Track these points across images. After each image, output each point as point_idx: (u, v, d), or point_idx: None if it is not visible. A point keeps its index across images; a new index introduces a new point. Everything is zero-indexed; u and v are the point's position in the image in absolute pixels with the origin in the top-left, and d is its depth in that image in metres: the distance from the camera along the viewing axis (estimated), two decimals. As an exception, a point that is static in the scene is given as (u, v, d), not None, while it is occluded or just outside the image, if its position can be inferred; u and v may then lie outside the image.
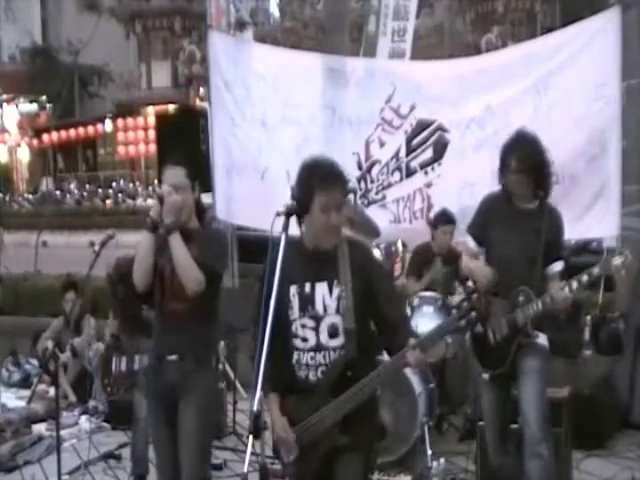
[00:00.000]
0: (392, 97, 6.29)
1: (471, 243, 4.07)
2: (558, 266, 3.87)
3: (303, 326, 3.02)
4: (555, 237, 3.88)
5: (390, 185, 6.38)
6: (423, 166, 6.23)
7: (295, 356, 3.03)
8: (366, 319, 3.01)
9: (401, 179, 6.34)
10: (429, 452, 4.94)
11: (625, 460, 5.16)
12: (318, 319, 3.01)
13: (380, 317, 3.04)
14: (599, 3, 6.18)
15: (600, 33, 5.48)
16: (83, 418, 6.45)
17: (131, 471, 5.03)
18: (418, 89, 6.24)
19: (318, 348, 3.00)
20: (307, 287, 3.02)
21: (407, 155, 6.30)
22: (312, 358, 3.01)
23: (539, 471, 3.80)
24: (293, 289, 3.02)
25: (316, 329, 3.01)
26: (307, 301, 3.02)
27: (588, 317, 6.19)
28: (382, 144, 6.39)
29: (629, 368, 5.89)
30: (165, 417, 3.57)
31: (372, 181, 6.42)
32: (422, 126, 6.22)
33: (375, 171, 6.41)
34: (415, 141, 6.25)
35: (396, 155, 6.34)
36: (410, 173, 6.29)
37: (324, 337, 3.00)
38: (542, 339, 3.89)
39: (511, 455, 4.02)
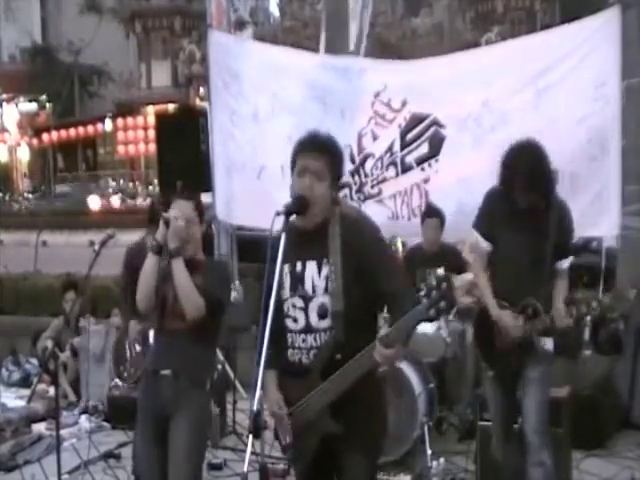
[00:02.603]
0: (381, 92, 6.24)
1: (481, 241, 4.00)
2: (566, 263, 3.86)
3: (294, 306, 2.98)
4: (564, 234, 3.84)
5: (385, 180, 6.32)
6: (419, 162, 6.16)
7: (289, 339, 2.99)
8: (358, 300, 2.89)
9: (397, 174, 6.27)
10: (429, 452, 4.94)
11: (625, 460, 5.17)
12: (307, 299, 2.96)
13: (377, 293, 2.92)
14: (599, 2, 6.17)
15: (600, 32, 5.47)
16: (83, 417, 6.46)
17: (132, 469, 5.03)
18: (410, 88, 6.19)
19: (308, 330, 2.95)
20: (298, 265, 2.98)
21: (402, 149, 6.22)
22: (303, 340, 2.96)
23: (541, 479, 3.80)
24: (286, 268, 2.97)
25: (305, 309, 2.96)
26: (297, 280, 2.98)
27: (588, 317, 6.19)
28: (375, 137, 6.32)
29: (629, 368, 5.90)
30: (155, 433, 3.59)
31: (366, 175, 6.35)
32: (417, 120, 6.14)
33: (369, 165, 6.34)
34: (410, 135, 6.18)
35: (390, 149, 6.26)
36: (406, 169, 6.23)
37: (314, 318, 2.94)
38: (547, 344, 3.86)
39: (513, 451, 4.00)
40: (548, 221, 3.77)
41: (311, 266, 2.96)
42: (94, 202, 20.39)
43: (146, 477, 3.70)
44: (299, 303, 2.98)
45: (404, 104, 6.17)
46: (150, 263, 3.60)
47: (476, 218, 4.06)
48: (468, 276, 6.04)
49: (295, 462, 3.12)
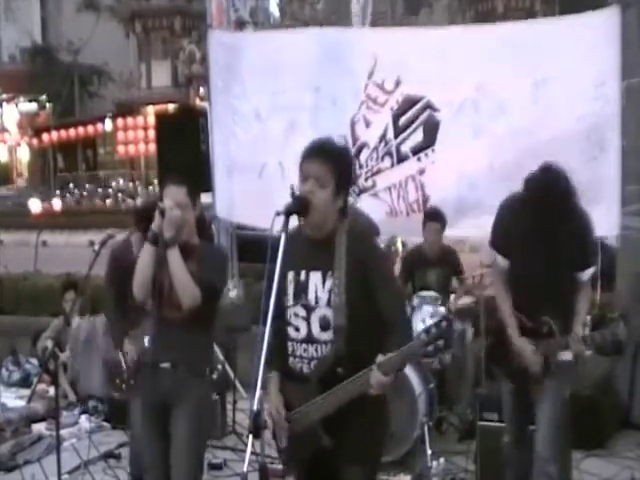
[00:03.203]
0: (374, 70, 6.13)
1: (499, 259, 3.88)
2: (587, 274, 3.77)
3: (296, 315, 2.98)
4: (583, 244, 3.74)
5: (380, 171, 6.21)
6: (415, 152, 6.05)
7: (290, 347, 2.99)
8: (361, 314, 2.89)
9: (392, 165, 6.16)
10: (429, 452, 4.93)
11: (625, 460, 5.16)
12: (309, 309, 2.95)
13: (375, 311, 2.91)
14: (598, 3, 6.15)
15: (600, 31, 5.44)
16: (83, 417, 6.45)
17: (129, 473, 5.01)
18: (402, 62, 6.05)
19: (310, 340, 2.94)
20: (303, 275, 2.98)
21: (396, 137, 6.11)
22: (305, 350, 2.96)
23: None
24: (290, 275, 2.98)
25: (307, 319, 2.95)
26: (301, 289, 2.97)
27: (588, 317, 6.17)
28: (368, 124, 6.22)
29: (629, 368, 5.89)
30: (156, 425, 3.60)
31: (361, 167, 6.22)
32: (410, 103, 6.02)
33: (364, 156, 6.23)
34: (403, 120, 6.07)
35: (384, 136, 6.15)
36: (401, 159, 6.11)
37: (315, 329, 2.94)
38: (567, 355, 3.75)
39: (523, 454, 3.96)
40: (566, 233, 3.65)
41: (315, 276, 2.96)
42: (35, 205, 20.46)
43: (149, 469, 3.69)
44: (301, 312, 2.97)
45: (397, 84, 6.04)
46: (147, 253, 3.59)
47: (492, 236, 3.94)
48: (467, 300, 6.05)
49: (290, 464, 3.13)
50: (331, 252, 2.93)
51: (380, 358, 2.78)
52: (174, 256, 3.53)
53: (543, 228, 3.64)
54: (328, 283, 2.92)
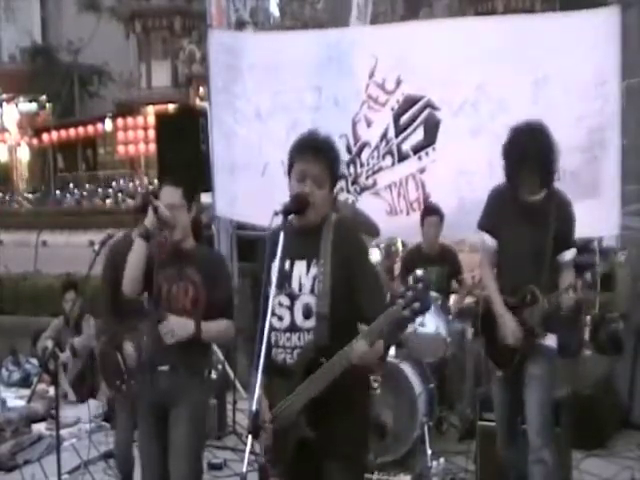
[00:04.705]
0: (375, 70, 6.14)
1: (487, 239, 4.03)
2: (569, 255, 3.83)
3: (280, 304, 2.95)
4: (564, 226, 3.84)
5: (381, 169, 6.22)
6: (416, 151, 6.06)
7: (273, 337, 2.94)
8: (344, 303, 2.86)
9: (393, 164, 6.18)
10: (429, 452, 4.94)
11: (625, 460, 5.17)
12: (293, 297, 2.93)
13: (357, 308, 2.88)
14: (598, 3, 6.15)
15: (600, 30, 5.44)
16: (83, 417, 6.44)
17: (117, 469, 4.96)
18: (402, 58, 6.04)
19: (293, 329, 2.92)
20: (287, 264, 2.95)
21: (397, 135, 6.12)
22: (288, 339, 2.93)
23: (542, 477, 3.79)
24: (275, 265, 2.92)
25: (291, 308, 2.93)
26: (285, 278, 2.94)
27: (588, 317, 6.19)
28: (369, 123, 6.23)
29: (629, 368, 5.89)
30: (155, 428, 3.60)
31: (362, 165, 6.25)
32: (410, 102, 6.03)
33: (365, 155, 6.25)
34: (404, 119, 6.08)
35: (385, 135, 6.16)
36: (402, 158, 6.13)
37: (299, 317, 2.92)
38: (550, 340, 3.86)
39: (517, 452, 3.99)
40: (548, 213, 3.78)
41: (300, 265, 2.94)
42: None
43: (147, 471, 3.69)
44: (285, 301, 2.95)
45: (398, 84, 6.05)
46: (138, 248, 3.56)
47: (480, 218, 4.09)
48: (467, 300, 6.05)
49: (275, 462, 3.06)
50: (317, 242, 2.92)
51: (363, 327, 2.75)
52: (208, 329, 3.57)
53: (527, 207, 3.82)
54: (312, 271, 2.91)
